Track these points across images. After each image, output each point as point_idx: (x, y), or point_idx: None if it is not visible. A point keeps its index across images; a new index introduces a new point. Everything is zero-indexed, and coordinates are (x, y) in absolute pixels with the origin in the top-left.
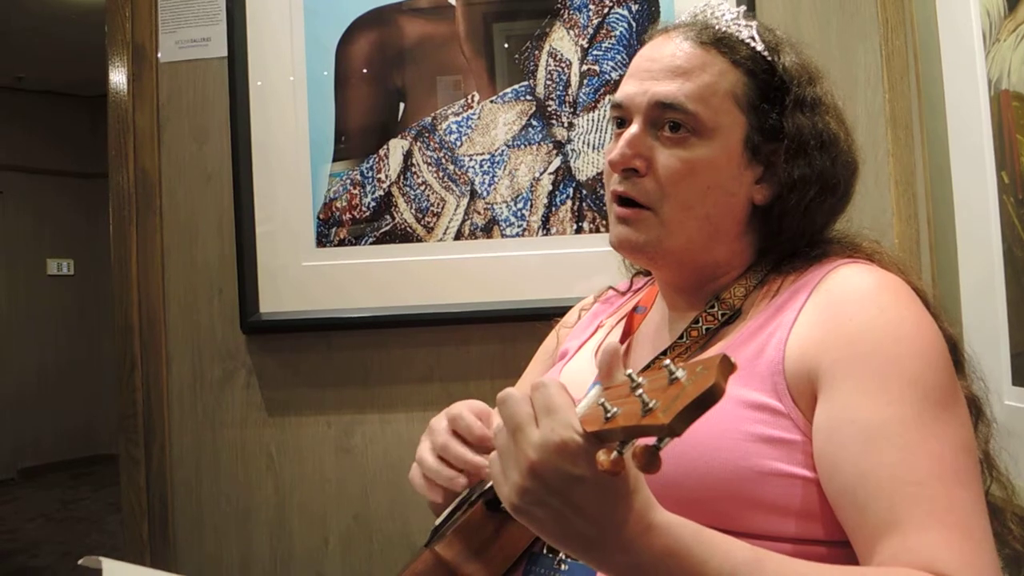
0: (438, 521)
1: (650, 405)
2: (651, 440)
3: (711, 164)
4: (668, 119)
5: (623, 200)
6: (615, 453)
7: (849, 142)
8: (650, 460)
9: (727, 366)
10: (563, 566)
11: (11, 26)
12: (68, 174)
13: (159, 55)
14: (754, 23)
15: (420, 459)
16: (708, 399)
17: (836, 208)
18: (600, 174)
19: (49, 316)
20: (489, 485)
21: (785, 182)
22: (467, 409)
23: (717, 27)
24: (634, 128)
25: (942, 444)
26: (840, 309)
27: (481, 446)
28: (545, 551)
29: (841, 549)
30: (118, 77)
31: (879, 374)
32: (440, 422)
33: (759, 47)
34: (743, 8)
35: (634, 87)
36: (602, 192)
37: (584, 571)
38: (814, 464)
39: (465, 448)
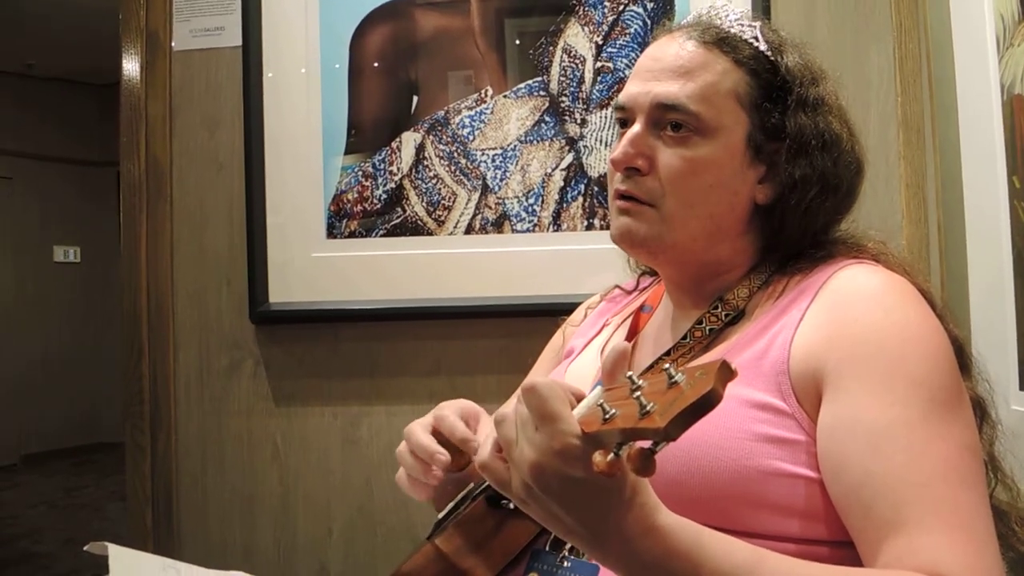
0: (441, 515)
1: (647, 408)
2: (648, 443)
3: (713, 163)
4: (670, 119)
5: (625, 198)
6: (611, 455)
7: (853, 142)
8: (644, 463)
9: (726, 372)
10: (565, 563)
11: (22, 13)
12: (76, 162)
13: (173, 43)
14: (758, 23)
15: (400, 457)
16: (705, 404)
17: (839, 208)
18: None
19: (55, 303)
20: None
21: (786, 182)
22: (454, 410)
23: (720, 27)
24: (636, 128)
25: (947, 445)
26: (845, 310)
27: (463, 447)
28: (548, 548)
29: (844, 550)
30: (131, 65)
31: (884, 375)
32: (418, 423)
33: (762, 47)
34: (747, 9)
35: (637, 87)
36: None
37: (586, 569)
38: (818, 464)
39: (434, 443)
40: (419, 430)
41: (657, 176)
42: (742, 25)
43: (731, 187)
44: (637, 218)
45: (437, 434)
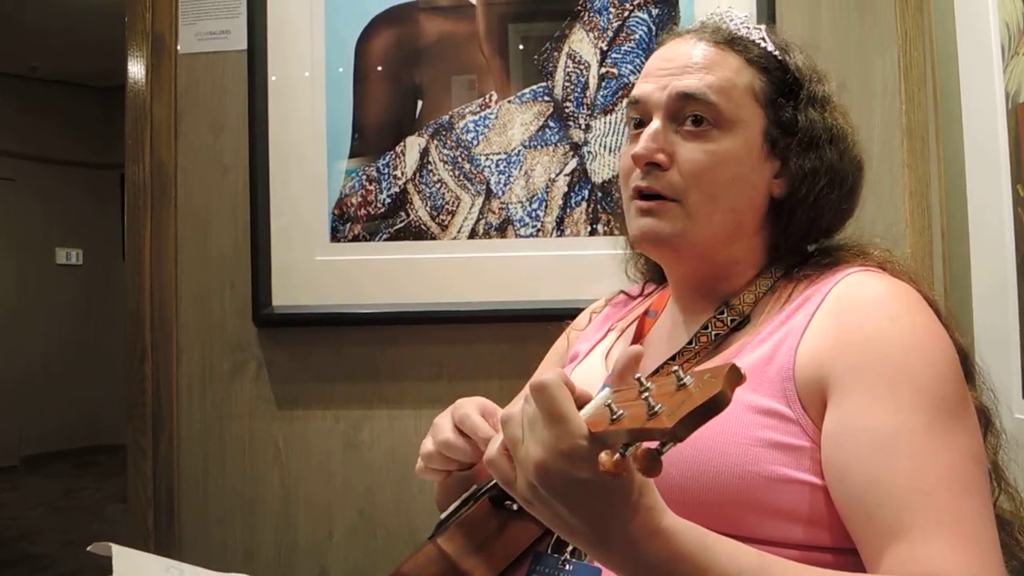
0: (444, 515)
1: (655, 409)
2: (654, 444)
3: (734, 156)
4: (690, 112)
5: (646, 195)
6: (617, 455)
7: (855, 139)
8: (651, 463)
9: (735, 375)
10: (567, 566)
11: (27, 15)
12: (79, 164)
13: (178, 47)
14: (763, 26)
15: (428, 458)
16: (713, 407)
17: (843, 202)
18: (616, 177)
19: (56, 305)
20: (494, 482)
21: (797, 175)
22: (474, 408)
23: (729, 29)
24: (656, 123)
25: (952, 453)
26: (851, 317)
27: (483, 447)
28: (550, 550)
29: (847, 557)
30: (137, 68)
31: (889, 382)
32: (445, 419)
33: (770, 47)
34: (750, 13)
35: (653, 84)
36: (617, 195)
37: (588, 571)
38: (822, 471)
39: (466, 443)
40: (447, 429)
41: (679, 171)
42: (748, 28)
43: (750, 180)
44: (661, 217)
45: (459, 432)
